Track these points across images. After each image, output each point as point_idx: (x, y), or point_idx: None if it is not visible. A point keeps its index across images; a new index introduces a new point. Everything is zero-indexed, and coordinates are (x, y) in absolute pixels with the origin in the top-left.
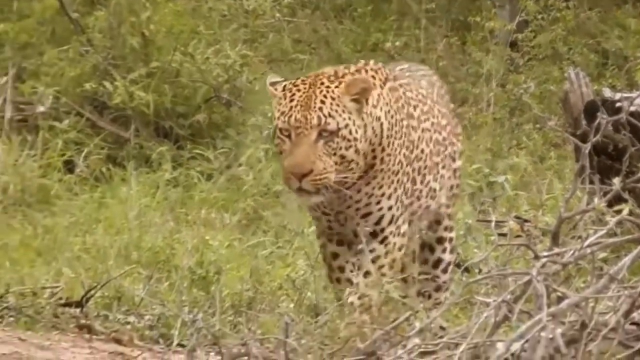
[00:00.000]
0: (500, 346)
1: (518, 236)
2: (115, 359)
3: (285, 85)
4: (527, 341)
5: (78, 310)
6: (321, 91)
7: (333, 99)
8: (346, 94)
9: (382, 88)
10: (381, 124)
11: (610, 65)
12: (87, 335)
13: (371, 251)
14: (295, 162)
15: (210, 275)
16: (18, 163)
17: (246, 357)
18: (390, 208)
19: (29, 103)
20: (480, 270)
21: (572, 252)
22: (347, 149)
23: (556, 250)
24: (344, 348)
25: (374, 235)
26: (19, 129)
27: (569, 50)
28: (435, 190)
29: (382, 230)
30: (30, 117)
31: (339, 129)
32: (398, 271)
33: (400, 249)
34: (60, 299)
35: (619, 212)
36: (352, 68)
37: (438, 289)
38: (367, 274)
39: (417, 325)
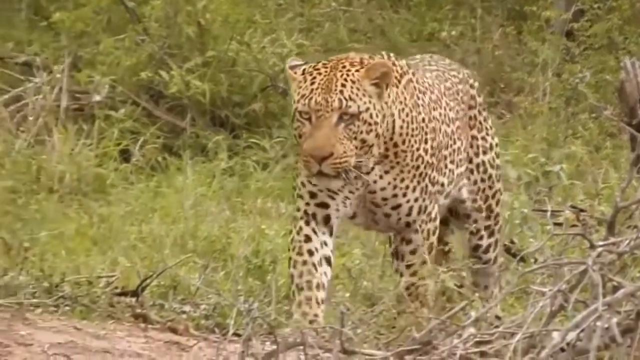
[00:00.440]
0: (556, 335)
1: (574, 225)
2: (170, 348)
3: (305, 69)
4: (582, 330)
5: (134, 299)
6: (342, 75)
7: (354, 82)
8: (366, 77)
9: (397, 87)
10: (394, 121)
11: None
12: (142, 325)
13: (408, 242)
14: (315, 145)
15: (266, 265)
16: (74, 152)
17: (302, 347)
18: (416, 200)
19: (85, 92)
20: (536, 260)
21: (628, 241)
22: (367, 132)
23: (612, 239)
24: (399, 337)
25: (408, 225)
26: (75, 118)
27: (624, 39)
28: (443, 184)
29: (415, 221)
30: (87, 106)
31: (359, 113)
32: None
33: (434, 233)
34: (116, 288)
35: None
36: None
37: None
38: (409, 266)
39: (473, 314)
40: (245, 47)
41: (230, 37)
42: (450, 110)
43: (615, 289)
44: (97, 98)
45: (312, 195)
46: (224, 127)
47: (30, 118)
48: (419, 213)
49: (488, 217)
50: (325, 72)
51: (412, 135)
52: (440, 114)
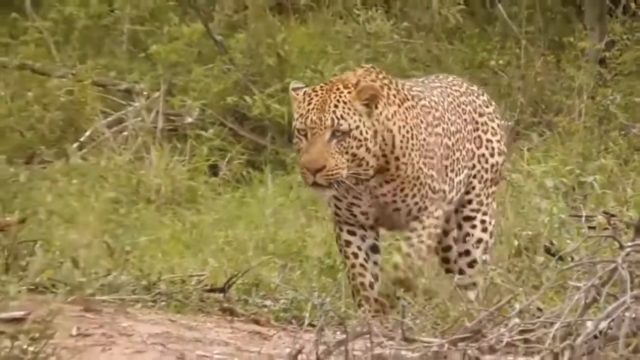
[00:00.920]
0: (589, 324)
1: (605, 229)
2: (253, 337)
3: (305, 91)
4: (613, 320)
5: (221, 295)
6: (335, 96)
7: (345, 103)
8: (357, 99)
9: (399, 107)
10: (393, 136)
11: None
12: (229, 317)
13: (412, 227)
14: (310, 159)
15: (337, 264)
16: (169, 167)
17: (368, 335)
18: (416, 204)
19: (178, 115)
20: (572, 259)
21: None
22: (358, 147)
23: (639, 241)
24: (453, 327)
25: (413, 218)
26: (170, 138)
27: None
28: (444, 192)
29: (416, 217)
30: (180, 127)
31: (350, 130)
32: (433, 246)
33: (435, 227)
34: (206, 285)
35: None
36: (372, 75)
37: (470, 265)
38: (408, 239)
39: (517, 307)
40: (319, 74)
41: (306, 66)
42: (452, 125)
43: None
44: (189, 120)
45: (338, 207)
46: None
47: (131, 137)
48: (419, 211)
49: (485, 213)
50: (321, 93)
51: (412, 150)
52: (443, 129)
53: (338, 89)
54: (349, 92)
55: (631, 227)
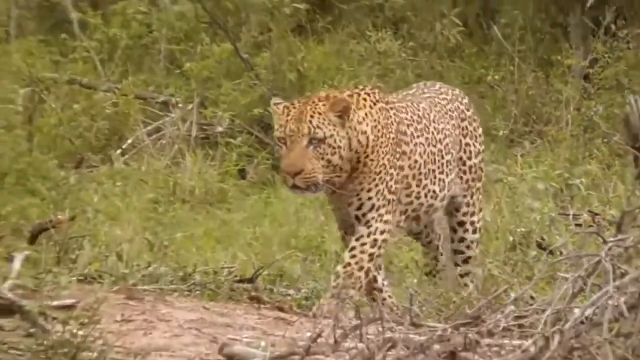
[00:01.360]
0: (576, 311)
1: (590, 226)
2: (278, 323)
3: (284, 105)
4: (597, 307)
5: (249, 285)
6: (311, 108)
7: (320, 114)
8: (330, 111)
9: (371, 108)
10: (367, 137)
11: None
12: (256, 305)
13: (357, 232)
14: (289, 163)
15: None
16: (202, 171)
17: (380, 321)
18: (370, 199)
19: (210, 124)
20: (561, 253)
21: (632, 237)
22: (332, 154)
23: (620, 236)
24: (455, 313)
25: (358, 220)
26: (203, 145)
27: (629, 81)
28: (435, 191)
29: (364, 215)
30: (211, 135)
31: (325, 138)
32: (381, 252)
33: (382, 233)
34: (235, 276)
35: None
36: (347, 92)
37: (465, 261)
38: (351, 249)
39: (512, 295)
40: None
41: (323, 81)
42: (438, 133)
43: (623, 275)
44: (220, 129)
45: (333, 209)
46: None
47: (168, 145)
48: (370, 210)
49: (473, 213)
50: (299, 106)
51: (380, 147)
52: (426, 139)
53: (314, 102)
54: (324, 105)
55: (613, 224)
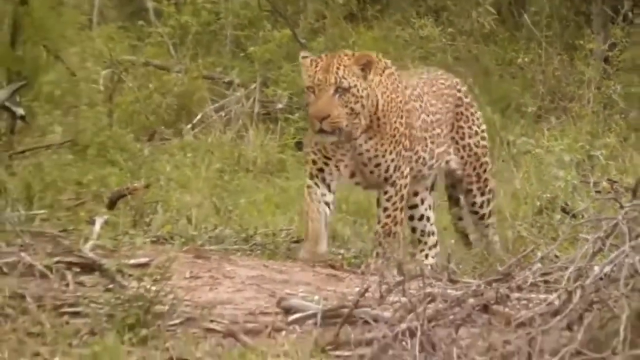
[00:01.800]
0: (596, 269)
1: (609, 192)
2: (330, 279)
3: (312, 58)
4: (615, 265)
5: None
6: (337, 60)
7: (346, 66)
8: (355, 64)
9: (381, 76)
10: (377, 101)
11: None
12: (310, 263)
13: (386, 193)
14: (317, 109)
15: None
16: (263, 144)
17: (421, 277)
18: (392, 160)
19: (271, 102)
20: (582, 216)
21: None
22: (355, 103)
23: (635, 201)
24: (488, 270)
25: (386, 180)
26: (264, 120)
27: None
28: (424, 159)
29: (391, 176)
30: (272, 111)
31: (349, 87)
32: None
33: (405, 186)
34: (292, 237)
35: None
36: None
37: (481, 218)
38: (385, 209)
39: (539, 254)
40: None
41: None
42: (431, 106)
43: (638, 236)
44: (280, 106)
45: (314, 162)
46: None
47: (233, 120)
48: (394, 170)
49: (477, 181)
50: (326, 59)
51: (390, 111)
52: (420, 105)
53: (339, 56)
54: (349, 58)
55: (629, 191)
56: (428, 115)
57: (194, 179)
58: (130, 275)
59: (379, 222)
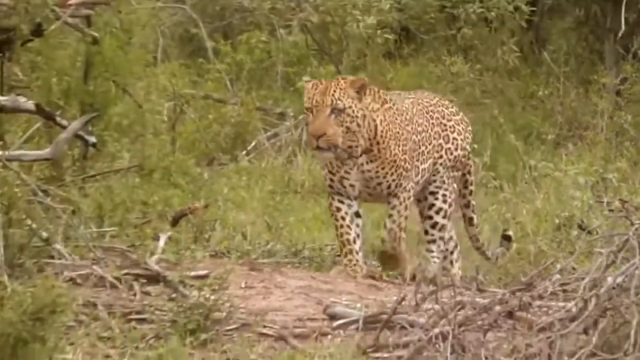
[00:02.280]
0: (609, 279)
1: (620, 211)
2: (371, 289)
3: (313, 82)
4: (626, 276)
5: None
6: (334, 84)
7: (341, 89)
8: (350, 87)
9: (381, 106)
10: (376, 126)
11: None
12: (353, 274)
13: (390, 203)
14: (315, 127)
15: None
16: (311, 168)
17: (452, 287)
18: (394, 180)
19: None
20: (597, 232)
21: None
22: (350, 122)
23: None
24: (512, 281)
25: (390, 194)
26: None
27: None
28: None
29: (393, 191)
30: None
31: (345, 108)
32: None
33: (408, 198)
34: (337, 252)
35: None
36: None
37: (433, 226)
38: (390, 216)
39: (558, 266)
40: None
41: None
42: (419, 126)
43: None
44: None
45: (330, 186)
46: None
47: (283, 147)
48: (396, 187)
49: (440, 188)
50: (324, 83)
51: (389, 139)
52: (411, 129)
53: (337, 80)
54: (345, 82)
55: (639, 209)
56: (416, 136)
57: (248, 199)
58: (191, 286)
59: (385, 228)
